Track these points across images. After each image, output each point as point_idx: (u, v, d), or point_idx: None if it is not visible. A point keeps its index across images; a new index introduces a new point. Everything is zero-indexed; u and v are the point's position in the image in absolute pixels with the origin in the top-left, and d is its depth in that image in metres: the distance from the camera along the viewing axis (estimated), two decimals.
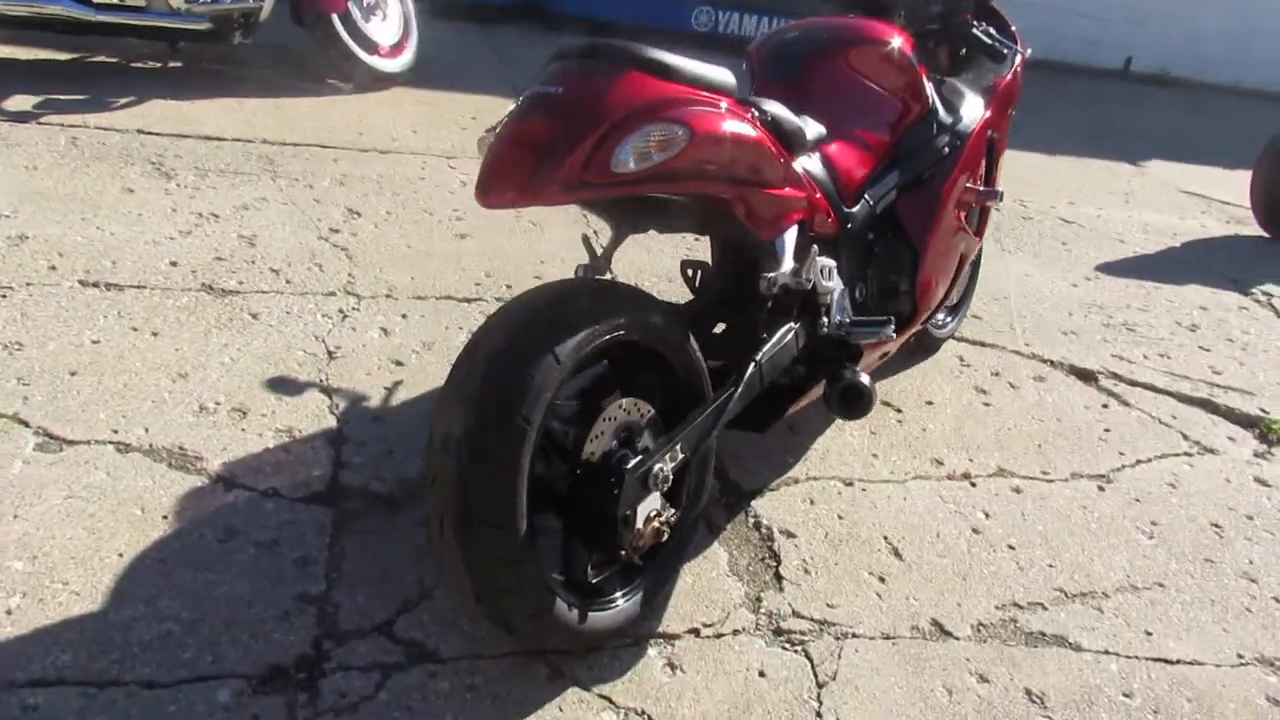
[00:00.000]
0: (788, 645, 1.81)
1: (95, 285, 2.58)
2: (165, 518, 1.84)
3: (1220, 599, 2.17)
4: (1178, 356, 3.39)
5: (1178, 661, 1.96)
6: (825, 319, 2.02)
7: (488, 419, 1.42)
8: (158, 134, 3.66)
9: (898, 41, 2.20)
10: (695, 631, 1.80)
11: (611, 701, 1.62)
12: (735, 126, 1.60)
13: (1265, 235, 5.05)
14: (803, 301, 1.97)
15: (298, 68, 4.74)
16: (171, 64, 4.55)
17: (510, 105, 1.60)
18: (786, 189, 1.77)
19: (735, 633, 1.82)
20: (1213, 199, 5.67)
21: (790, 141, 1.84)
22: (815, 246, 1.87)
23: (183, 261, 2.77)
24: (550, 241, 3.34)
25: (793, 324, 1.95)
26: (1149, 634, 2.02)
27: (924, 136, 2.26)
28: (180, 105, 3.98)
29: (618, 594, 1.66)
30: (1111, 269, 4.19)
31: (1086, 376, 3.12)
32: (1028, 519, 2.32)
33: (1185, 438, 2.85)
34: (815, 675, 1.75)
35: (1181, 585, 2.19)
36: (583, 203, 1.74)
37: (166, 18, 4.00)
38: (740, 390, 1.77)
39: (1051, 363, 3.17)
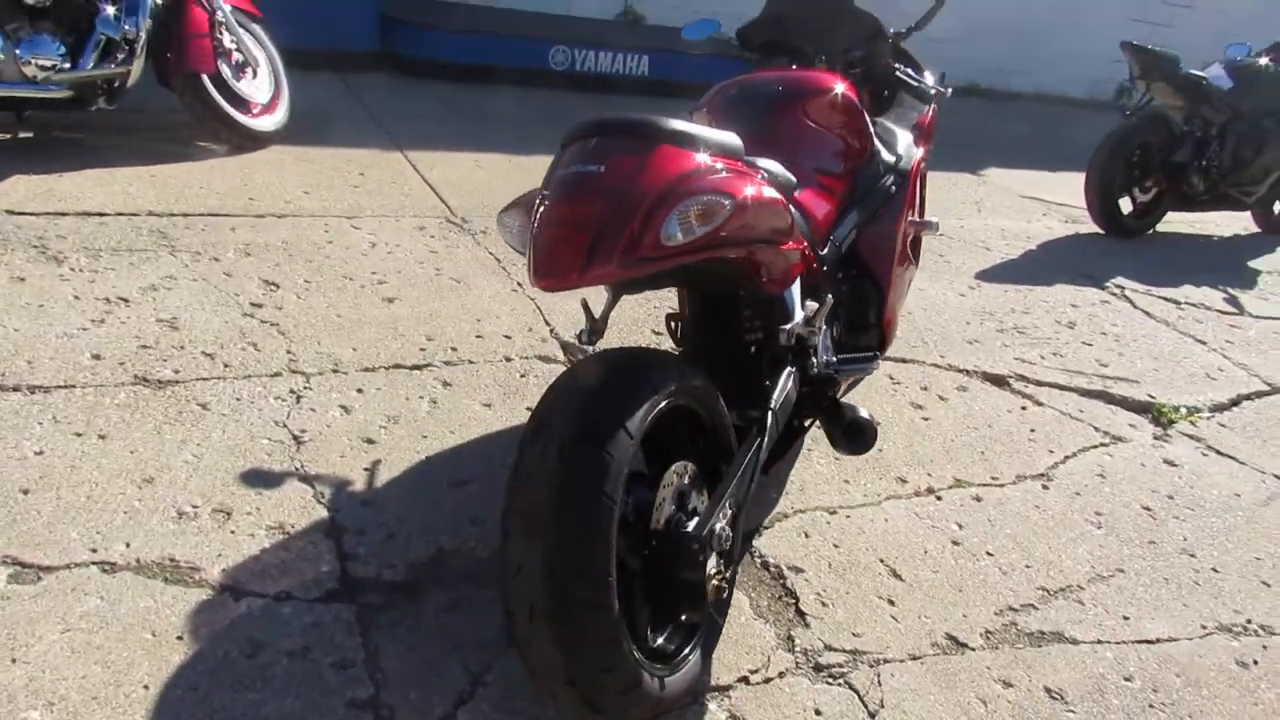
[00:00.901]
0: (831, 680, 1.88)
1: (17, 389, 2.37)
2: (180, 639, 1.72)
3: (1171, 576, 2.39)
4: (1068, 354, 3.70)
5: (1157, 640, 2.15)
6: (814, 359, 2.11)
7: (575, 502, 1.42)
8: (31, 214, 3.39)
9: (843, 88, 2.33)
10: (745, 680, 1.84)
11: None
12: (763, 190, 1.67)
13: (1100, 232, 5.57)
14: (796, 346, 2.05)
15: (164, 132, 4.48)
16: (22, 134, 4.21)
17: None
18: (792, 242, 1.85)
19: (781, 675, 1.87)
20: (1050, 202, 6.19)
21: (784, 196, 1.92)
22: (830, 297, 1.96)
23: (106, 354, 2.58)
24: (480, 299, 3.30)
25: (790, 368, 2.03)
26: (1126, 619, 2.21)
27: (873, 177, 2.40)
28: (47, 180, 3.69)
29: (686, 653, 1.68)
30: (987, 276, 4.52)
31: (999, 382, 3.36)
32: (995, 525, 2.49)
33: (1096, 429, 3.11)
34: (865, 706, 1.83)
35: (1137, 569, 2.40)
36: None
37: (22, 87, 3.71)
38: (766, 439, 1.83)
39: (967, 372, 3.39)
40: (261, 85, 4.50)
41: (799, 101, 2.26)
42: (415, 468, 2.34)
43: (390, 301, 3.18)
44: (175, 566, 1.89)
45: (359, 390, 2.61)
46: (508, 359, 2.93)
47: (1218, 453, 3.08)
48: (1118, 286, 4.62)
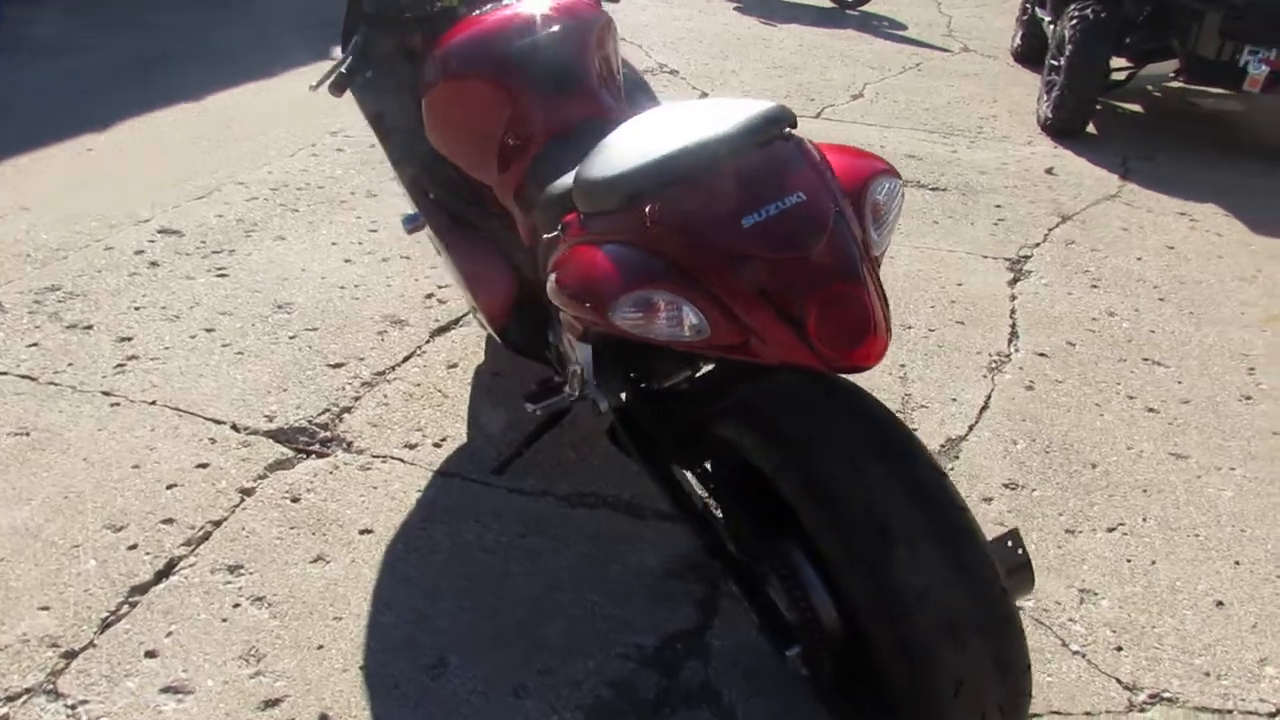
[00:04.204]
0: None
1: None
2: None
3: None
4: None
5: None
6: None
7: (982, 582, 1.28)
8: None
9: (586, 4, 2.09)
10: None
11: None
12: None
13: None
14: None
15: None
16: None
17: None
18: None
19: None
20: None
21: None
22: None
23: None
24: (95, 449, 2.47)
25: None
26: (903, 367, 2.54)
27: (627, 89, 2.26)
28: None
29: None
30: None
31: None
32: None
33: None
34: None
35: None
36: None
37: None
38: None
39: None
40: None
41: (584, 34, 1.99)
42: (247, 622, 1.82)
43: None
44: None
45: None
46: (239, 504, 2.30)
47: None
48: None
